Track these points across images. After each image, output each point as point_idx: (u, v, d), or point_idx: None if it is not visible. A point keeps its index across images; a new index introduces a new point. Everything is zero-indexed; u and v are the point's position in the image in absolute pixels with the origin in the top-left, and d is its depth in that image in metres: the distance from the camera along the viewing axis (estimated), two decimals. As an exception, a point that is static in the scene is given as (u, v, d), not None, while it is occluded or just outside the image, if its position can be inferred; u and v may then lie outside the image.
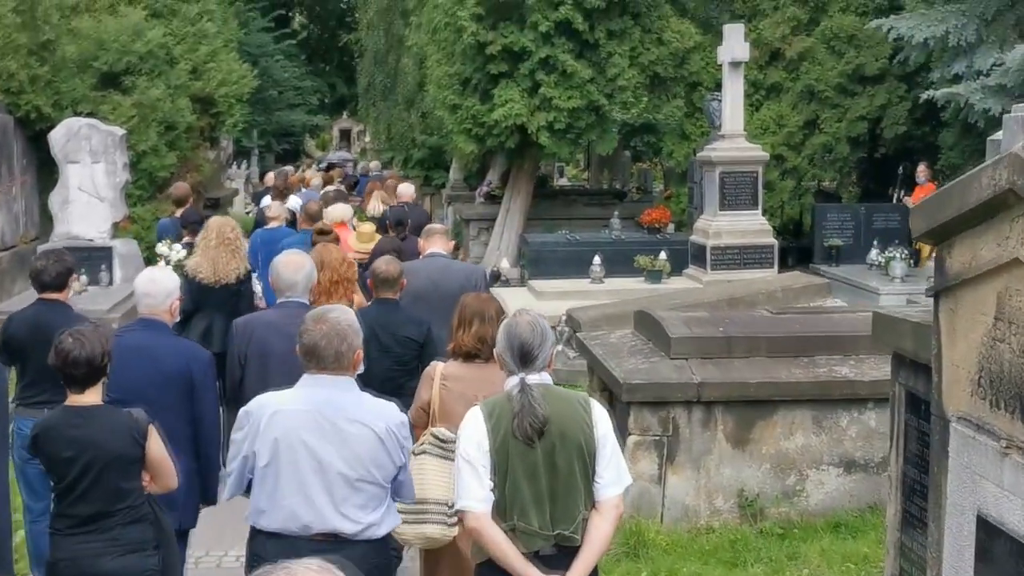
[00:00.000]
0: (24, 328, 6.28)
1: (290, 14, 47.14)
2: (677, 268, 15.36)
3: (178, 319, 6.33)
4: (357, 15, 29.54)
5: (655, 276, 14.84)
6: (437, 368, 5.40)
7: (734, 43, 15.10)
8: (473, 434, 3.99)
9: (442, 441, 5.13)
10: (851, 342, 7.72)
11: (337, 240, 9.43)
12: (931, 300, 3.89)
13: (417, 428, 5.22)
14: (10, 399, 6.10)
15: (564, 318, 10.72)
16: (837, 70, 18.18)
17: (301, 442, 4.11)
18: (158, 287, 5.58)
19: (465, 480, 3.97)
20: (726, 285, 11.82)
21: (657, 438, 7.32)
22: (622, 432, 7.07)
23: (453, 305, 5.65)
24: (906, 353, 4.79)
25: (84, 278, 12.47)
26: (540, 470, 3.95)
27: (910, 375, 4.81)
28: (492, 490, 3.95)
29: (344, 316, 4.29)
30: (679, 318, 8.28)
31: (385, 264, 6.81)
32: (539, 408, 3.94)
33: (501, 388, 4.14)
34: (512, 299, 13.87)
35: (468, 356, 5.30)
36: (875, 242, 16.77)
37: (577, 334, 9.38)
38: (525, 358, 4.04)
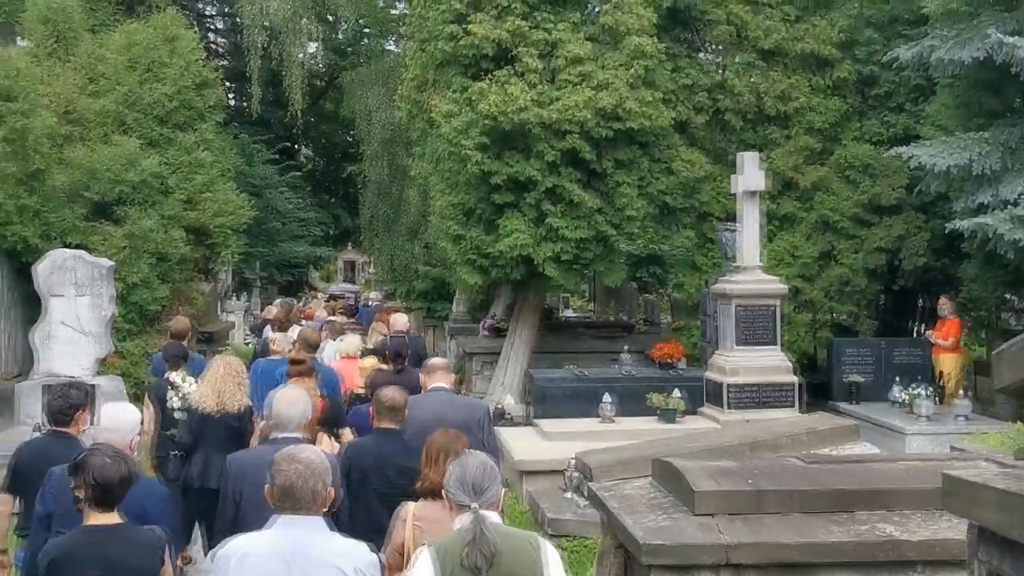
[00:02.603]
0: (32, 458, 6.55)
1: (296, 146, 47.35)
2: (692, 405, 14.58)
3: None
4: (361, 146, 29.43)
5: (669, 415, 14.03)
6: (409, 509, 5.37)
7: (750, 171, 14.59)
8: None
9: None
10: (894, 496, 6.99)
11: (311, 372, 9.05)
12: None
13: (392, 570, 5.22)
14: (11, 528, 6.74)
15: (573, 462, 9.95)
16: (852, 200, 17.70)
17: None
18: (120, 422, 5.81)
19: None
20: (747, 427, 11.05)
21: (681, 607, 6.49)
22: (642, 601, 6.26)
23: None
24: (991, 526, 4.01)
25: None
26: None
27: (997, 554, 4.01)
28: None
29: (317, 455, 4.34)
30: (702, 468, 7.51)
31: (393, 392, 6.84)
32: (491, 537, 3.98)
33: None
34: (519, 441, 13.08)
35: (435, 494, 5.10)
36: (897, 378, 16.04)
37: (590, 483, 8.61)
38: (476, 489, 4.13)
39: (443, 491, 4.26)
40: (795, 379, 14.65)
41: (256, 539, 4.23)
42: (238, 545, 4.22)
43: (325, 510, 4.29)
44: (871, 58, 18.20)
